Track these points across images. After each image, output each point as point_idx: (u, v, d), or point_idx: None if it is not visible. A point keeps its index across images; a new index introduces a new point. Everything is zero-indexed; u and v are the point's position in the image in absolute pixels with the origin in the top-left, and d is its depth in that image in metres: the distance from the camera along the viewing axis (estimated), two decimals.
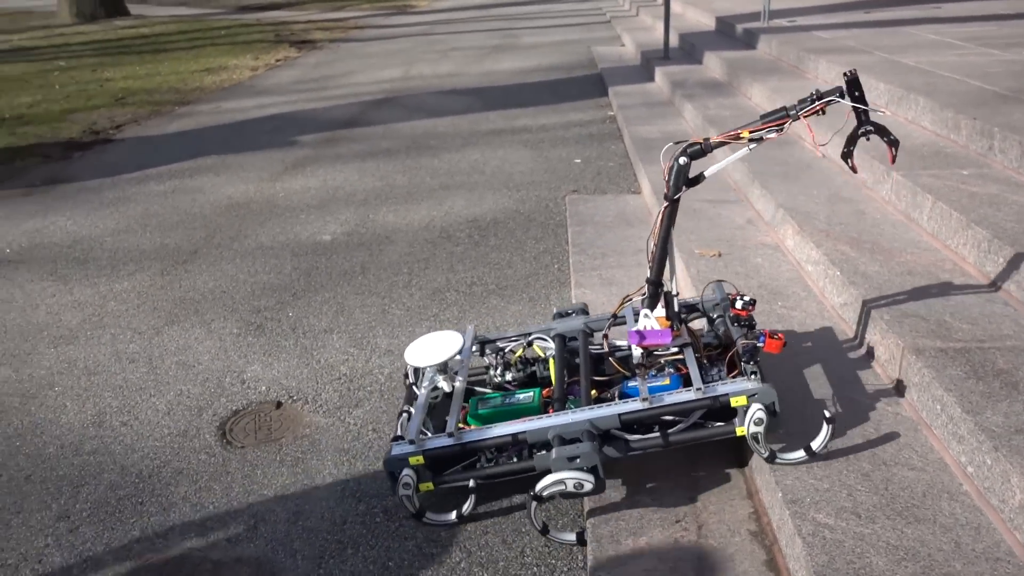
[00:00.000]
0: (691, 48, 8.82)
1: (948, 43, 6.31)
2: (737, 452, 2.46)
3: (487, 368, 2.66)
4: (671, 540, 2.13)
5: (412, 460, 2.25)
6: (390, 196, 5.23)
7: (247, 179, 5.72)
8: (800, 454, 2.17)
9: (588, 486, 2.12)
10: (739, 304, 2.43)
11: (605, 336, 2.56)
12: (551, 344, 2.62)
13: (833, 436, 2.17)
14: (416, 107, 7.88)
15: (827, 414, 2.13)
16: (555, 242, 4.34)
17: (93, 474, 2.61)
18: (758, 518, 2.21)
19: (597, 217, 4.65)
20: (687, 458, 2.45)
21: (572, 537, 2.22)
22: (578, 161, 5.81)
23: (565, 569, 2.14)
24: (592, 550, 2.13)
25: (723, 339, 2.55)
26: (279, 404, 2.98)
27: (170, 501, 2.47)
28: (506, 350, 2.66)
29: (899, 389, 2.47)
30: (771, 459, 2.17)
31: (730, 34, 9.00)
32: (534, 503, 2.16)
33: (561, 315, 2.74)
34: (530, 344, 2.66)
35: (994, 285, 2.80)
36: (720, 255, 3.62)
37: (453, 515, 2.31)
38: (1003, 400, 2.14)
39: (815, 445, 2.15)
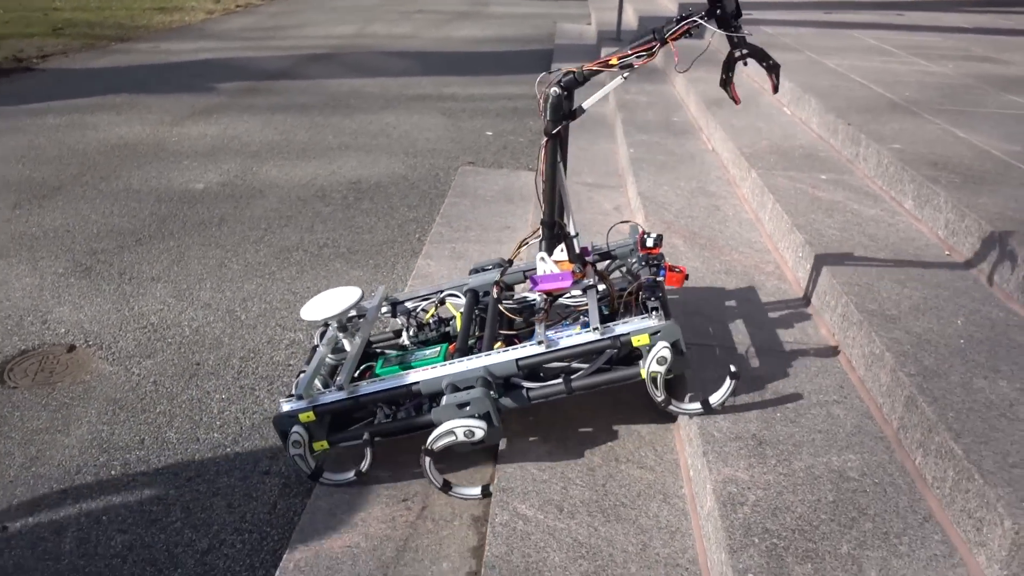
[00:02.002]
0: (644, 31, 8.69)
1: (884, 50, 6.23)
2: None
3: (400, 331, 2.53)
4: (388, 518, 2.08)
5: (303, 417, 2.12)
6: (283, 151, 5.12)
7: (148, 121, 5.59)
8: (696, 406, 2.07)
9: (480, 433, 2.00)
10: (649, 242, 2.29)
11: (497, 283, 2.41)
12: (464, 301, 2.48)
13: (735, 392, 2.07)
14: (353, 65, 7.74)
15: (732, 369, 2.02)
16: (428, 211, 4.25)
17: None
18: (487, 505, 2.15)
19: (480, 190, 4.57)
20: None
21: (477, 491, 2.10)
22: (489, 134, 5.71)
23: (276, 536, 2.08)
24: (303, 522, 2.07)
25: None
26: (72, 348, 2.90)
27: None
28: (418, 310, 2.54)
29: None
30: (666, 404, 2.08)
31: None
32: (427, 459, 2.04)
33: (476, 271, 2.57)
34: (443, 302, 2.53)
35: (799, 289, 2.75)
36: None
37: (351, 473, 2.17)
38: (735, 406, 2.09)
39: (713, 399, 2.05)
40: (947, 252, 2.72)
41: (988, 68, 5.41)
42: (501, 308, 2.36)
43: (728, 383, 2.04)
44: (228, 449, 2.40)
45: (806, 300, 2.69)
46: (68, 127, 5.37)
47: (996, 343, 2.12)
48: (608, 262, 2.49)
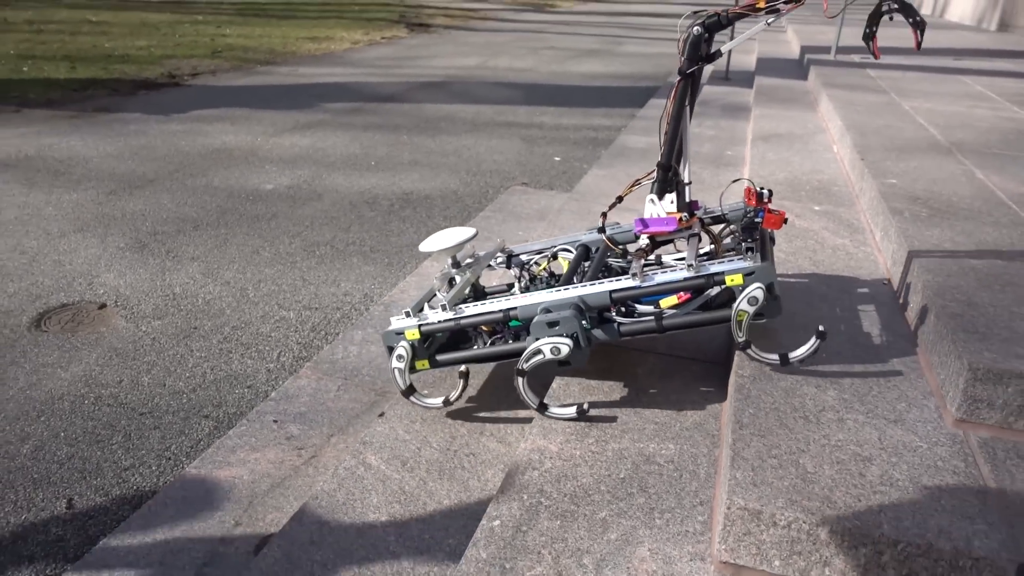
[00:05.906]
0: (755, 72, 8.70)
1: (983, 96, 5.99)
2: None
3: (512, 284, 2.68)
4: (278, 460, 2.37)
5: (408, 334, 2.30)
6: (358, 163, 5.60)
7: (253, 132, 6.27)
8: (774, 356, 2.08)
9: (565, 351, 2.10)
10: (757, 197, 2.32)
11: (603, 215, 2.52)
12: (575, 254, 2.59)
13: (817, 352, 2.07)
14: (459, 92, 8.23)
15: (820, 328, 2.04)
16: (460, 223, 4.56)
17: None
18: None
19: (519, 208, 4.83)
20: (371, 390, 2.66)
21: (572, 411, 2.16)
22: (557, 159, 5.97)
23: (188, 464, 2.42)
24: (208, 452, 2.40)
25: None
26: (103, 306, 3.41)
27: None
28: (531, 263, 2.64)
29: None
30: (744, 346, 2.08)
31: (802, 63, 8.80)
32: (521, 380, 2.17)
33: (592, 230, 2.70)
34: (555, 257, 2.64)
35: None
36: None
37: (440, 400, 2.38)
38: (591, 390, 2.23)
39: (793, 354, 2.07)
40: (885, 282, 2.72)
41: None
42: (607, 240, 2.45)
43: (813, 341, 2.04)
44: (184, 395, 2.79)
45: None
46: (184, 133, 6.12)
47: (858, 359, 2.15)
48: (722, 226, 2.52)
